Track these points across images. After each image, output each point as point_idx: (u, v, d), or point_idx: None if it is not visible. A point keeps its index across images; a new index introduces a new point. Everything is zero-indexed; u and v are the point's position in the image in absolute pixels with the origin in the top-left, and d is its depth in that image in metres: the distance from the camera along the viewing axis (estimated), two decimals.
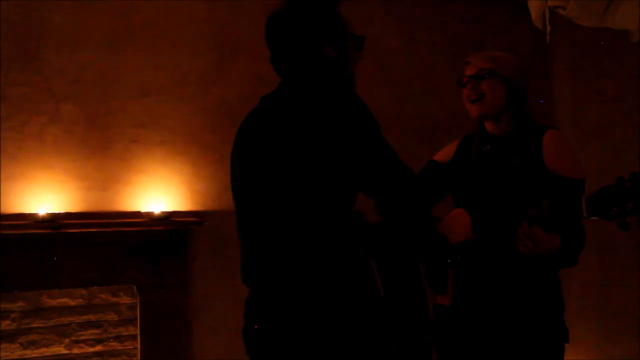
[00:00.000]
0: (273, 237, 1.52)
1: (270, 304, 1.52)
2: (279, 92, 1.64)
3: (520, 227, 1.67)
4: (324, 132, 1.46)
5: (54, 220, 2.82)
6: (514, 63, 1.97)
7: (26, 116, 2.96)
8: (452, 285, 1.77)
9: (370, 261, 1.48)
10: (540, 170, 1.85)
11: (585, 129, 3.80)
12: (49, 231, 2.82)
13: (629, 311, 3.54)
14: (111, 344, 3.13)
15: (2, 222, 2.77)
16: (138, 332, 3.11)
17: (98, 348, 3.11)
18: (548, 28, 2.65)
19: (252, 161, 1.59)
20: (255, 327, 1.57)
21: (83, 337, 3.08)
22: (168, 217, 3.07)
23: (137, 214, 3.10)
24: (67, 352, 3.05)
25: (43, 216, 2.81)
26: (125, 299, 3.15)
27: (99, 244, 2.97)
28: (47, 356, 3.01)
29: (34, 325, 2.99)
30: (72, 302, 3.06)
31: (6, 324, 2.93)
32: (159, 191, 3.18)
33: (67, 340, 3.05)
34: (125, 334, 3.15)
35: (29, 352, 2.97)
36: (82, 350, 3.08)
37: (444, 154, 2.14)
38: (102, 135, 3.09)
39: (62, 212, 2.89)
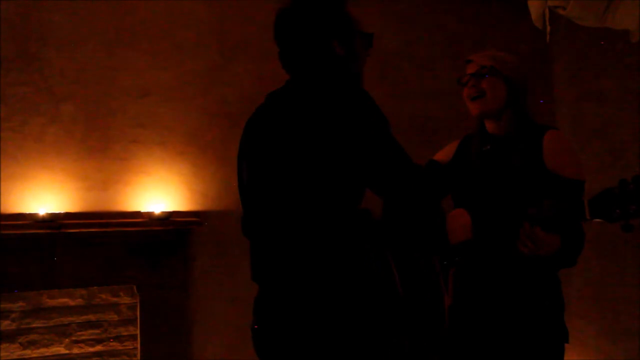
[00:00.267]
0: (283, 234, 1.52)
1: (281, 302, 1.52)
2: (287, 89, 1.63)
3: (521, 228, 1.67)
4: (334, 129, 1.46)
5: (54, 220, 2.82)
6: (515, 62, 1.97)
7: (26, 116, 2.96)
8: (452, 285, 1.77)
9: (388, 258, 1.48)
10: (540, 171, 1.85)
11: (585, 129, 3.80)
12: (49, 231, 2.82)
13: (629, 311, 3.54)
14: (111, 344, 3.13)
15: (2, 222, 2.77)
16: (138, 332, 3.11)
17: (98, 348, 3.11)
18: (548, 28, 2.65)
19: (261, 159, 1.58)
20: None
21: (83, 337, 3.08)
22: (168, 217, 3.07)
23: (137, 214, 3.10)
24: (67, 352, 3.05)
25: (43, 216, 2.81)
26: (125, 299, 3.15)
27: (99, 244, 2.97)
28: (47, 356, 3.01)
29: (34, 325, 2.99)
30: (72, 302, 3.06)
31: (6, 324, 2.94)
32: (159, 191, 3.18)
33: (67, 340, 3.05)
34: (125, 334, 3.15)
35: (29, 352, 2.97)
36: (82, 350, 3.08)
37: (444, 154, 2.14)
38: (102, 135, 3.09)
39: (62, 212, 2.89)
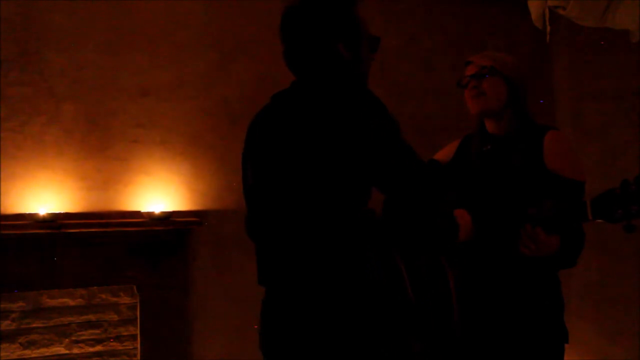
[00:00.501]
0: (290, 236, 1.51)
1: (289, 305, 1.51)
2: (293, 90, 1.63)
3: (522, 229, 1.67)
4: (342, 130, 1.45)
5: (54, 220, 2.82)
6: (514, 63, 1.97)
7: (26, 116, 2.96)
8: (453, 286, 1.77)
9: (397, 260, 1.47)
10: (540, 171, 1.85)
11: (585, 129, 3.80)
12: (49, 231, 2.82)
13: (629, 311, 3.54)
14: (111, 344, 3.13)
15: (2, 222, 2.77)
16: (138, 332, 3.11)
17: (98, 348, 3.11)
18: (548, 28, 2.65)
19: (267, 160, 1.57)
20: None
21: (83, 337, 3.08)
22: (168, 217, 3.07)
23: (137, 214, 3.10)
24: (67, 352, 3.05)
25: (43, 216, 2.81)
26: (125, 299, 3.15)
27: (99, 244, 2.97)
28: (47, 356, 3.01)
29: (34, 325, 2.99)
30: (72, 302, 3.06)
31: (6, 324, 2.93)
32: (159, 191, 3.18)
33: (67, 340, 3.05)
34: (125, 334, 3.15)
35: (29, 352, 2.97)
36: (82, 350, 3.08)
37: (444, 154, 2.14)
38: (102, 135, 3.09)
39: (62, 212, 2.89)
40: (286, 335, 1.51)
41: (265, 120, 1.63)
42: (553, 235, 1.69)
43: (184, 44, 3.26)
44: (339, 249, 1.46)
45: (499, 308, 1.86)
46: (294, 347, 1.49)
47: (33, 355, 2.98)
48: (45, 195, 2.95)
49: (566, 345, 1.89)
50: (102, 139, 3.09)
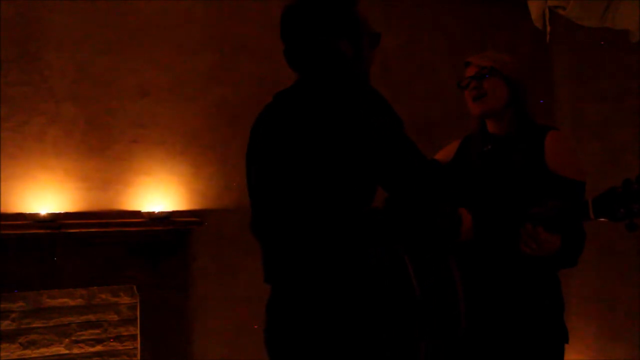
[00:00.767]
0: (296, 235, 1.50)
1: (295, 304, 1.50)
2: (296, 89, 1.62)
3: (523, 228, 1.67)
4: (346, 128, 1.45)
5: (54, 220, 2.82)
6: (514, 63, 1.97)
7: (26, 116, 2.96)
8: None
9: (404, 259, 1.47)
10: (541, 171, 1.85)
11: (585, 129, 3.81)
12: (49, 231, 2.82)
13: (629, 311, 3.54)
14: (111, 344, 3.13)
15: (2, 222, 2.77)
16: (138, 332, 3.11)
17: (98, 348, 3.11)
18: (548, 28, 2.65)
19: (271, 159, 1.57)
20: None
21: (83, 337, 3.08)
22: (168, 217, 3.07)
23: (137, 214, 3.10)
24: (67, 352, 3.05)
25: (43, 216, 2.81)
26: (125, 299, 3.15)
27: (99, 244, 2.97)
28: (47, 356, 3.01)
29: (34, 325, 2.99)
30: (72, 302, 3.06)
31: (6, 324, 2.93)
32: (159, 191, 3.18)
33: (67, 340, 3.05)
34: (125, 334, 3.15)
35: (29, 352, 2.97)
36: (82, 350, 3.08)
37: (444, 154, 2.14)
38: (102, 135, 3.09)
39: (62, 212, 2.89)
40: (293, 333, 1.50)
41: (268, 120, 1.63)
42: (554, 235, 1.69)
43: (184, 44, 3.26)
44: (345, 247, 1.45)
45: (499, 308, 1.86)
46: (301, 345, 1.49)
47: (33, 355, 2.98)
48: (45, 195, 2.95)
49: (566, 345, 1.89)
50: (102, 139, 3.09)
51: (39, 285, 2.92)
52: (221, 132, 3.28)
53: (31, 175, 2.95)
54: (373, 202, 1.54)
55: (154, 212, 3.06)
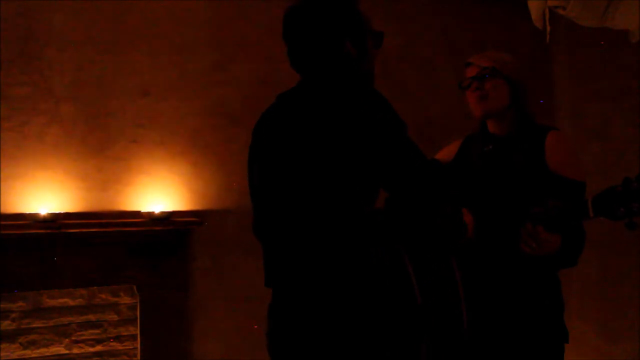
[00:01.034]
0: (299, 238, 1.49)
1: (297, 308, 1.50)
2: (299, 89, 1.61)
3: (523, 228, 1.67)
4: (349, 130, 1.44)
5: (54, 220, 2.82)
6: (515, 63, 1.97)
7: (26, 116, 2.96)
8: None
9: (405, 262, 1.46)
10: (542, 171, 1.85)
11: (585, 129, 3.80)
12: (49, 231, 2.82)
13: (629, 311, 3.54)
14: (111, 344, 3.13)
15: (2, 222, 2.77)
16: (138, 332, 3.11)
17: (98, 348, 3.11)
18: (548, 28, 2.65)
19: (274, 160, 1.56)
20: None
21: (83, 337, 3.08)
22: (168, 217, 3.07)
23: (137, 214, 3.10)
24: (67, 352, 3.05)
25: (43, 216, 2.81)
26: (125, 299, 3.15)
27: (99, 244, 2.97)
28: (47, 356, 3.01)
29: (34, 325, 2.99)
30: (72, 302, 3.06)
31: (6, 324, 2.93)
32: (158, 191, 3.18)
33: (67, 340, 3.05)
34: (125, 334, 3.15)
35: (29, 352, 2.97)
36: (82, 350, 3.08)
37: (445, 154, 2.14)
38: (102, 135, 3.09)
39: (62, 212, 2.89)
40: (296, 337, 1.50)
41: (271, 120, 1.62)
42: (554, 235, 1.69)
43: (184, 44, 3.26)
44: (347, 249, 1.45)
45: (499, 308, 1.86)
46: (304, 348, 1.48)
47: (33, 355, 2.98)
48: (45, 195, 2.95)
49: (566, 345, 1.89)
50: (102, 139, 3.09)
51: (39, 285, 2.92)
52: (221, 132, 3.28)
53: (31, 175, 2.95)
54: (376, 203, 1.53)
55: (153, 212, 3.06)
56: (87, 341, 3.09)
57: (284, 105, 1.62)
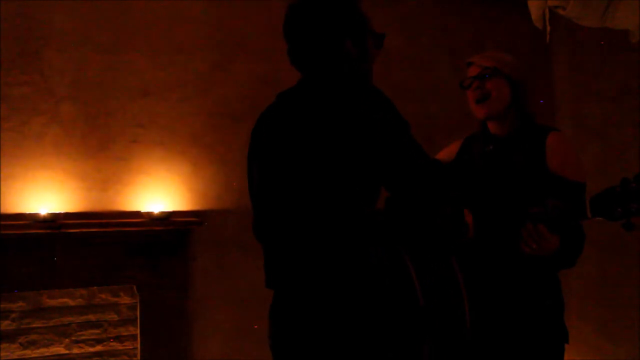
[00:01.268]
0: (300, 238, 1.49)
1: (298, 309, 1.49)
2: (299, 89, 1.61)
3: (523, 228, 1.67)
4: (351, 129, 1.44)
5: (54, 220, 2.82)
6: (516, 63, 1.97)
7: (26, 116, 2.96)
8: None
9: (407, 263, 1.46)
10: (542, 172, 1.85)
11: (585, 129, 3.80)
12: (49, 231, 2.82)
13: (629, 311, 3.54)
14: (111, 344, 3.13)
15: (2, 222, 2.77)
16: (138, 332, 3.11)
17: (98, 348, 3.11)
18: (548, 28, 2.65)
19: (274, 160, 1.55)
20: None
21: (83, 337, 3.08)
22: (168, 217, 3.07)
23: (137, 214, 3.10)
24: (67, 352, 3.05)
25: (43, 216, 2.81)
26: (125, 299, 3.15)
27: (99, 244, 2.97)
28: (47, 356, 3.01)
29: (34, 325, 2.99)
30: (72, 302, 3.06)
31: (6, 324, 2.93)
32: (158, 191, 3.18)
33: (67, 340, 3.05)
34: (125, 334, 3.15)
35: (29, 352, 2.97)
36: (82, 350, 3.08)
37: (446, 154, 2.14)
38: (102, 135, 3.09)
39: (62, 212, 2.89)
40: (298, 339, 1.49)
41: (271, 120, 1.62)
42: (553, 235, 1.69)
43: (184, 44, 3.26)
44: (348, 250, 1.44)
45: (500, 308, 1.86)
46: (307, 349, 1.47)
47: (33, 355, 2.98)
48: (45, 195, 2.95)
49: (566, 345, 1.89)
50: (102, 139, 3.09)
51: (39, 285, 2.92)
52: (221, 132, 3.28)
53: (31, 175, 2.95)
54: (377, 204, 1.53)
55: (153, 212, 3.06)
56: (87, 341, 3.09)
57: (283, 105, 1.61)
